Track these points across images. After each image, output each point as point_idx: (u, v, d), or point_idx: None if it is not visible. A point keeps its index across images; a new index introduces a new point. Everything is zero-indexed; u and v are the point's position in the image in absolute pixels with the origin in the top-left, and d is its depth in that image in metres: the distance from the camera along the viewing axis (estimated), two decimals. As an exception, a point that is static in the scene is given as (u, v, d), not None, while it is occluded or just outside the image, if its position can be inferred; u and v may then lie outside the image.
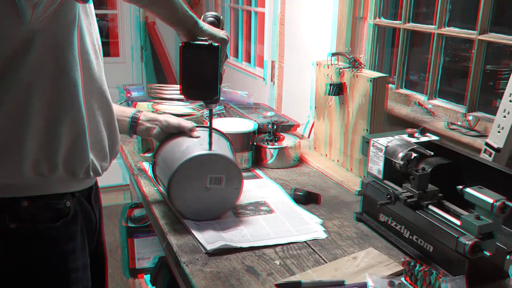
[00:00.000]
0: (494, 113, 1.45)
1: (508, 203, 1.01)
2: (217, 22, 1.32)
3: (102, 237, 1.34)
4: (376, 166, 1.34)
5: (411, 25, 2.00)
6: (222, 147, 1.39)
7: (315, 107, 1.90)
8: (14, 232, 1.04)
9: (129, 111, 1.46)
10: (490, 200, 1.02)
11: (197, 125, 1.48)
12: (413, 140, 1.34)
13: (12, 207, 1.04)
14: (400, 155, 1.24)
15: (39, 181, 1.06)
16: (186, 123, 1.45)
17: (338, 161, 1.80)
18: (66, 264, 1.12)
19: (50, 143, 1.04)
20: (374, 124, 1.60)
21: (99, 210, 1.28)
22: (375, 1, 2.13)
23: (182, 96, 2.17)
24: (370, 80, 1.57)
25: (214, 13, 1.34)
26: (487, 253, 1.04)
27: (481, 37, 1.66)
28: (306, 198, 1.52)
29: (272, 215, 1.42)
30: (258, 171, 1.77)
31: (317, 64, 1.84)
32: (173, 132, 1.45)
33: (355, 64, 1.66)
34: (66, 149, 1.06)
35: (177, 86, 2.18)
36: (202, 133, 1.44)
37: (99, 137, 1.14)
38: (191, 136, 1.42)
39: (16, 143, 1.01)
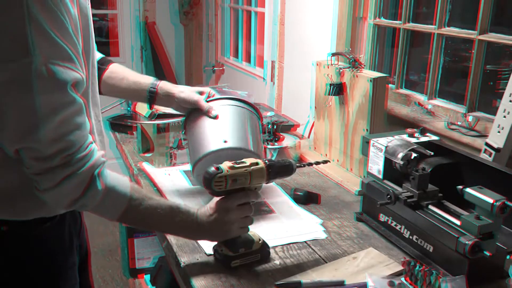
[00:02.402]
0: (494, 113, 1.45)
1: (508, 203, 1.01)
2: None
3: (85, 233, 1.34)
4: (376, 166, 1.34)
5: (411, 25, 2.00)
6: (241, 130, 1.39)
7: (315, 107, 1.90)
8: (5, 234, 1.05)
9: (145, 83, 1.44)
10: (490, 200, 1.02)
11: (216, 98, 1.45)
12: (413, 140, 1.34)
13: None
14: (400, 155, 1.24)
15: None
16: (203, 104, 1.41)
17: (338, 161, 1.80)
18: (55, 263, 1.13)
19: None
20: (374, 124, 1.60)
21: None
22: (375, 1, 2.13)
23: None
24: (370, 80, 1.57)
25: None
26: (487, 253, 1.04)
27: (481, 37, 1.66)
28: (306, 198, 1.52)
29: (272, 215, 1.42)
30: (258, 171, 1.77)
31: (317, 64, 1.84)
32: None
33: (355, 64, 1.66)
34: None
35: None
36: (222, 109, 1.41)
37: None
38: (209, 117, 1.39)
39: (29, 186, 1.00)
